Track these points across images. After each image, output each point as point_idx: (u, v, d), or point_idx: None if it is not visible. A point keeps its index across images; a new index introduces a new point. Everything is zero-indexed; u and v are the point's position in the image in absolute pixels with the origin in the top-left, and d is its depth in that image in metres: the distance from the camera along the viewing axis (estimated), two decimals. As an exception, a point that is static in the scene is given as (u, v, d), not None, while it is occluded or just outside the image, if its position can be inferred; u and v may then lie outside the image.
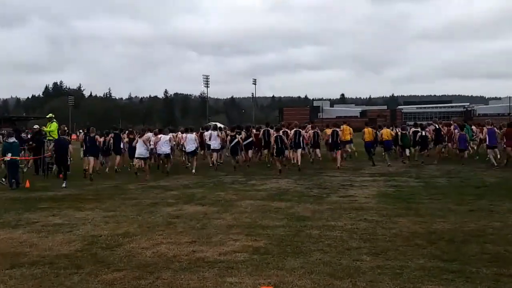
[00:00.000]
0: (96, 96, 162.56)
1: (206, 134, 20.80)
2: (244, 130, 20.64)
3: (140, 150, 16.56)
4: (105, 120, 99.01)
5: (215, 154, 19.76)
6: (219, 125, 44.17)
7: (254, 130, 21.06)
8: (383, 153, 20.94)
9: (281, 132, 18.39)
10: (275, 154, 18.07)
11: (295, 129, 19.31)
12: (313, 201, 10.78)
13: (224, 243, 7.10)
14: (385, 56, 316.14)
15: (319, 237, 7.34)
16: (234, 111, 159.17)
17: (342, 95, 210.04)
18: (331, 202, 10.59)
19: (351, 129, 22.25)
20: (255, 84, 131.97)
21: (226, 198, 11.54)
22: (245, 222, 8.50)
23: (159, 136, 17.99)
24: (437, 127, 21.16)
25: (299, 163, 18.22)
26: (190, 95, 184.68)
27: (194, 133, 19.88)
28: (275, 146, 17.92)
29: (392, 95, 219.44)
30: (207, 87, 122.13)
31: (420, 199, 10.83)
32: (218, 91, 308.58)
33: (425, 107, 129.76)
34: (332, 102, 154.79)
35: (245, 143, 19.84)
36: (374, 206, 9.90)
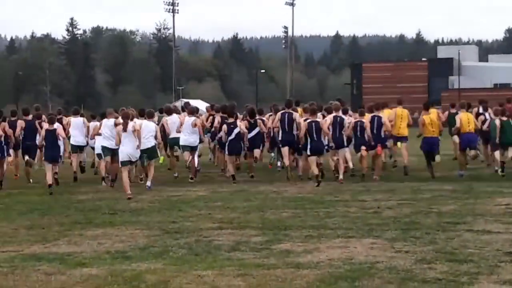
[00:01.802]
0: None
1: (173, 121, 20.32)
2: (247, 116, 20.10)
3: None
4: None
5: (187, 154, 19.55)
6: (200, 105, 39.09)
7: (267, 116, 20.76)
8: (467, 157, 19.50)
9: (317, 116, 18.28)
10: (309, 153, 17.91)
11: (334, 114, 18.60)
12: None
13: None
14: None
15: None
16: (240, 72, 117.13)
17: (511, 31, 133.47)
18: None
19: (409, 115, 21.06)
20: (292, 5, 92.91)
21: (219, 284, 8.69)
22: None
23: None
24: None
25: (341, 175, 18.19)
26: (133, 32, 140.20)
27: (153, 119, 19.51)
28: (310, 139, 17.67)
29: None
30: (174, 13, 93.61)
31: None
32: (202, 24, 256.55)
33: None
34: (486, 49, 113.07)
35: (250, 135, 19.45)
36: None
